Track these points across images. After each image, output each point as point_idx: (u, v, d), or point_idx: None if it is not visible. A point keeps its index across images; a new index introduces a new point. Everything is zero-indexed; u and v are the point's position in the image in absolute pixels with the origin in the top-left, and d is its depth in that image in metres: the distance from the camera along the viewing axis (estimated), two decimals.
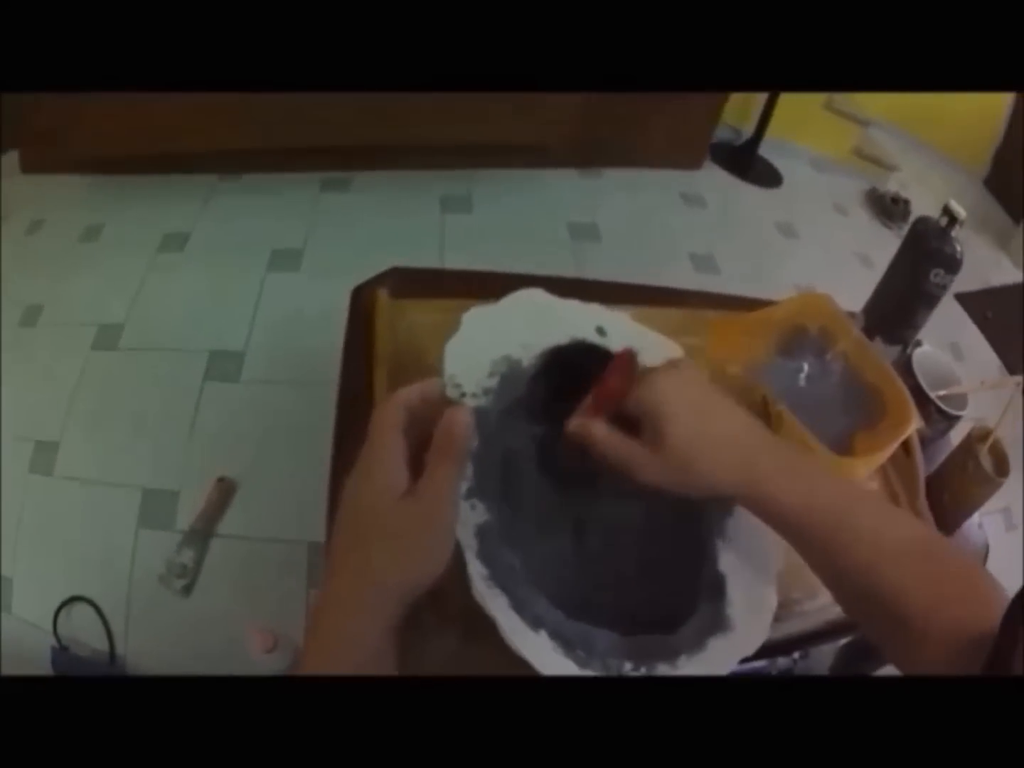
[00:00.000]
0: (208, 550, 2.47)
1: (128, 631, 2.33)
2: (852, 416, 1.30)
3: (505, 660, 0.84)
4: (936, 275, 1.47)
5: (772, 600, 0.97)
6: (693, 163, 4.31)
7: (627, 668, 0.90)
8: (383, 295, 1.40)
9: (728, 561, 0.96)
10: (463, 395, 0.94)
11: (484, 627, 0.83)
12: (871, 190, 4.78)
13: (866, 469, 1.27)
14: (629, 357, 0.89)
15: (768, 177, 4.52)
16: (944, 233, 1.46)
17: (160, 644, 2.30)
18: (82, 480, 2.64)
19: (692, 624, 0.93)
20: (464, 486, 0.90)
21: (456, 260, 2.40)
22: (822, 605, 1.14)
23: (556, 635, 0.87)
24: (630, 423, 0.86)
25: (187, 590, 2.38)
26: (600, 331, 1.07)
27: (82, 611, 2.35)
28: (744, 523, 0.98)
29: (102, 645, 2.30)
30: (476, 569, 0.84)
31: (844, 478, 0.84)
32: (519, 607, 0.85)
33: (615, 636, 0.90)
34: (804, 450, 0.87)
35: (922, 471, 1.36)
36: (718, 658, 0.93)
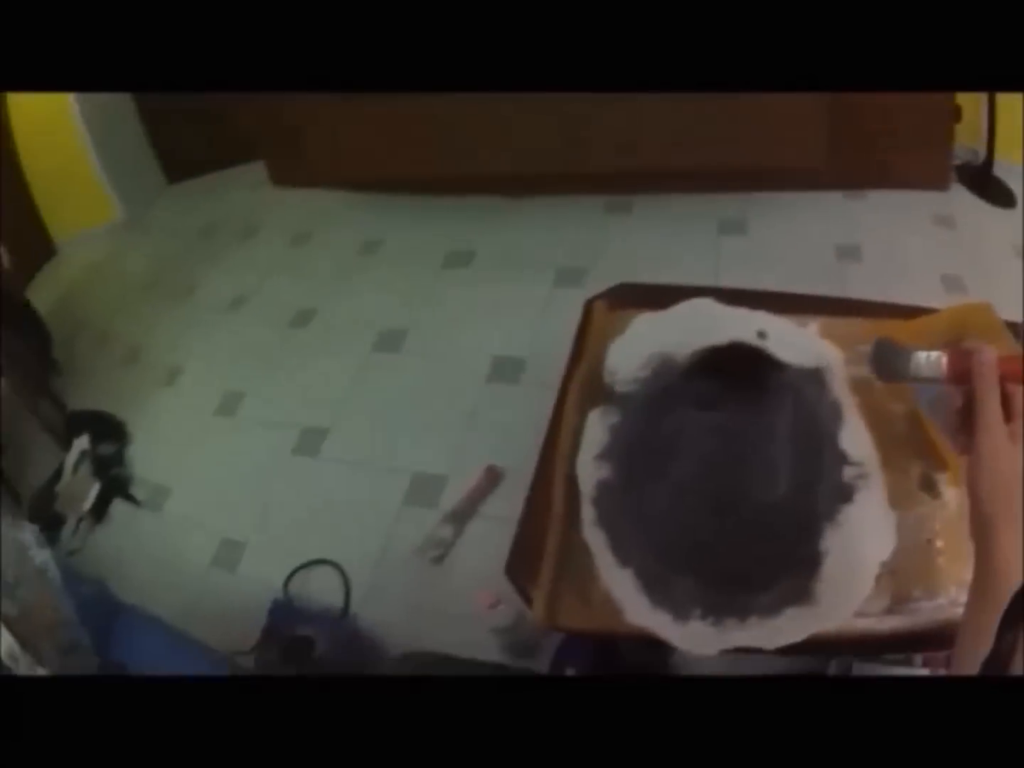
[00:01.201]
0: (467, 528, 2.64)
1: (368, 593, 2.56)
2: None
3: None
4: None
5: (864, 588, 1.05)
6: (941, 184, 4.21)
7: (696, 614, 1.04)
8: (600, 306, 1.57)
9: (831, 542, 1.07)
10: (616, 382, 1.11)
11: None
12: None
13: None
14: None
15: (1004, 197, 4.29)
16: None
17: (396, 604, 2.51)
18: (348, 463, 2.98)
19: (775, 591, 1.04)
20: (597, 449, 1.09)
21: (730, 279, 2.45)
22: (939, 605, 1.14)
23: (641, 574, 1.00)
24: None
25: (439, 560, 2.56)
26: (761, 335, 1.21)
27: (322, 575, 2.63)
28: (860, 514, 1.10)
29: (337, 603, 2.54)
30: (587, 513, 1.00)
31: None
32: (616, 546, 0.98)
33: (694, 583, 1.02)
34: None
35: None
36: (790, 627, 1.03)
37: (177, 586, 2.71)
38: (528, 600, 1.22)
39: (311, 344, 3.50)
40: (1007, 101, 4.10)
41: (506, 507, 2.48)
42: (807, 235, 3.85)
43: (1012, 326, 1.55)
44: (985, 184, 4.34)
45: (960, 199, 4.24)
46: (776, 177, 3.97)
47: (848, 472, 1.14)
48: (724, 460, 1.16)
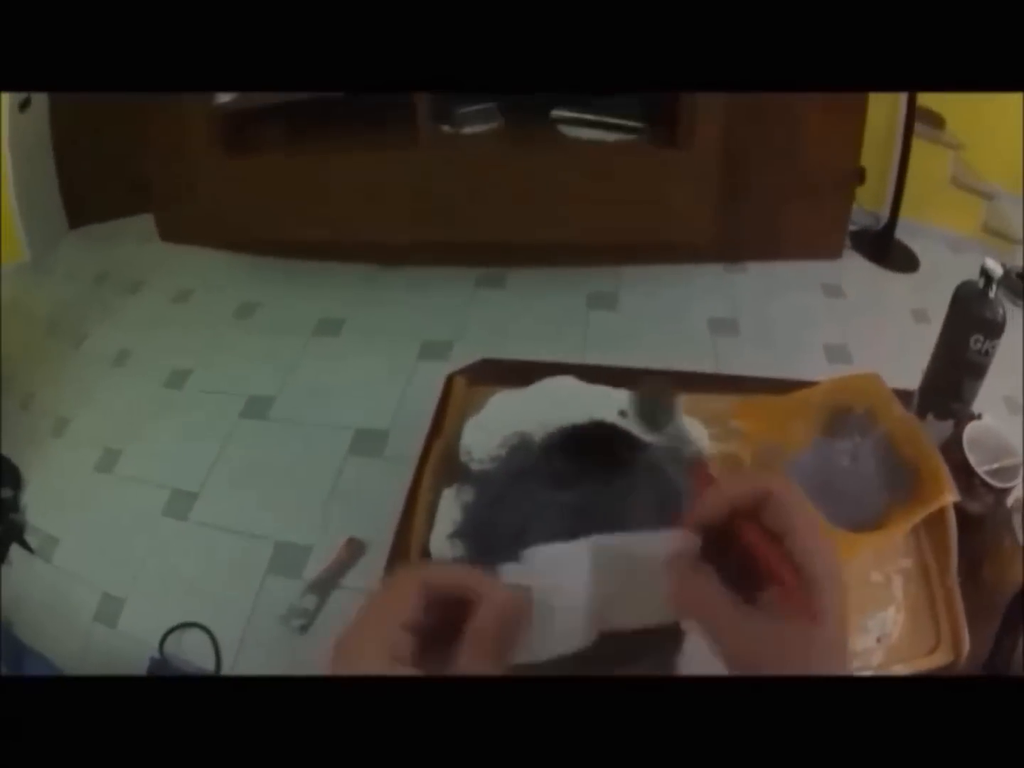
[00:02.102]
0: (329, 599, 2.65)
1: (238, 658, 2.56)
2: (889, 493, 1.29)
3: None
4: (976, 342, 1.40)
5: None
6: (833, 253, 4.26)
7: None
8: (460, 381, 1.52)
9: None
10: (471, 460, 1.04)
11: None
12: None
13: (883, 542, 1.28)
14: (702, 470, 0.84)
15: (906, 261, 4.39)
16: (982, 296, 1.40)
17: (263, 672, 2.41)
18: (215, 528, 2.98)
19: (638, 669, 0.97)
20: (451, 528, 1.03)
21: (597, 355, 2.45)
22: None
23: None
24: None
25: (303, 629, 2.54)
26: (622, 413, 1.16)
27: (194, 637, 2.61)
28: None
29: (208, 666, 2.54)
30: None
31: None
32: None
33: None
34: None
35: (954, 546, 1.27)
36: None
37: (67, 637, 2.68)
38: None
39: (184, 405, 3.52)
40: (920, 155, 4.18)
41: (368, 579, 2.59)
42: (679, 309, 3.93)
43: (907, 395, 1.54)
44: (884, 250, 4.38)
45: (853, 265, 4.32)
46: (655, 250, 4.03)
47: None
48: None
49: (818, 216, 4.06)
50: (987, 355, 1.43)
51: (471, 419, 1.21)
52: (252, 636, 2.61)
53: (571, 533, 1.08)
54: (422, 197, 3.69)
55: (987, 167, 4.59)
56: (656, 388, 0.97)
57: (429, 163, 3.63)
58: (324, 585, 2.68)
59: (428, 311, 3.92)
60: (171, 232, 4.33)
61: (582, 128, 3.66)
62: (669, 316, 3.86)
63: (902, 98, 4.08)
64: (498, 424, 1.15)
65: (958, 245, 4.61)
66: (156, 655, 2.55)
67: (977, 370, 1.47)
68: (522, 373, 1.49)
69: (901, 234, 4.44)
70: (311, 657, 2.07)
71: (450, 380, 1.57)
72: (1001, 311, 1.41)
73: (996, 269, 1.39)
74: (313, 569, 2.75)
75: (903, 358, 3.72)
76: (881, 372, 1.47)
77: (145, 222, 4.43)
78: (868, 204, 4.44)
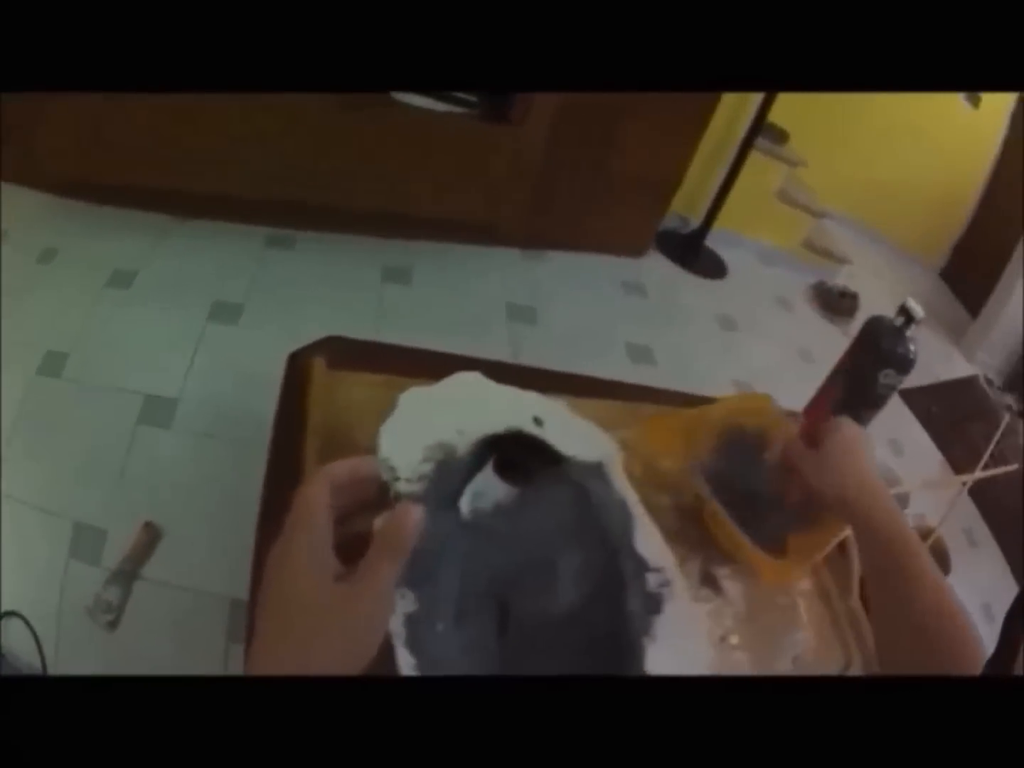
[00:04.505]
0: (132, 591, 2.45)
1: (58, 654, 2.32)
2: (787, 518, 1.29)
3: None
4: (886, 376, 1.44)
5: None
6: (637, 251, 4.34)
7: None
8: (319, 364, 1.36)
9: (655, 660, 0.95)
10: (396, 479, 0.92)
11: None
12: (818, 283, 4.81)
13: (799, 571, 1.31)
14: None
15: (713, 268, 4.53)
16: (899, 333, 1.43)
17: (87, 670, 2.25)
18: (16, 500, 2.64)
19: None
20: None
21: (391, 330, 2.39)
22: None
23: None
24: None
25: (112, 626, 2.36)
26: (537, 421, 1.07)
27: (18, 625, 2.33)
28: (671, 624, 0.98)
29: (35, 662, 2.29)
30: (404, 658, 0.83)
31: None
32: None
33: None
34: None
35: (856, 570, 1.34)
36: None
37: None
38: None
39: None
40: (750, 167, 4.31)
41: (168, 571, 2.49)
42: (477, 291, 3.90)
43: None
44: (692, 254, 4.47)
45: (656, 266, 4.40)
46: (448, 227, 4.00)
47: (652, 580, 1.02)
48: (506, 574, 1.00)
49: (628, 212, 4.10)
50: (893, 389, 1.48)
51: (386, 424, 1.03)
52: (67, 630, 2.36)
53: (498, 562, 1.00)
54: (229, 148, 3.56)
55: (823, 186, 4.76)
56: None
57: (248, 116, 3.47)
58: (125, 576, 2.47)
59: (218, 269, 3.74)
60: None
61: (414, 94, 3.57)
62: (465, 297, 3.85)
63: (751, 108, 4.18)
64: (417, 432, 1.01)
65: (770, 258, 4.78)
66: None
67: (880, 402, 1.51)
68: (378, 357, 1.44)
69: (714, 242, 4.58)
70: (124, 657, 2.04)
71: (302, 361, 1.39)
72: (913, 348, 1.44)
73: (917, 310, 1.42)
74: (112, 555, 2.52)
75: (709, 362, 3.86)
76: (688, 377, 1.51)
77: None
78: (681, 208, 4.55)
